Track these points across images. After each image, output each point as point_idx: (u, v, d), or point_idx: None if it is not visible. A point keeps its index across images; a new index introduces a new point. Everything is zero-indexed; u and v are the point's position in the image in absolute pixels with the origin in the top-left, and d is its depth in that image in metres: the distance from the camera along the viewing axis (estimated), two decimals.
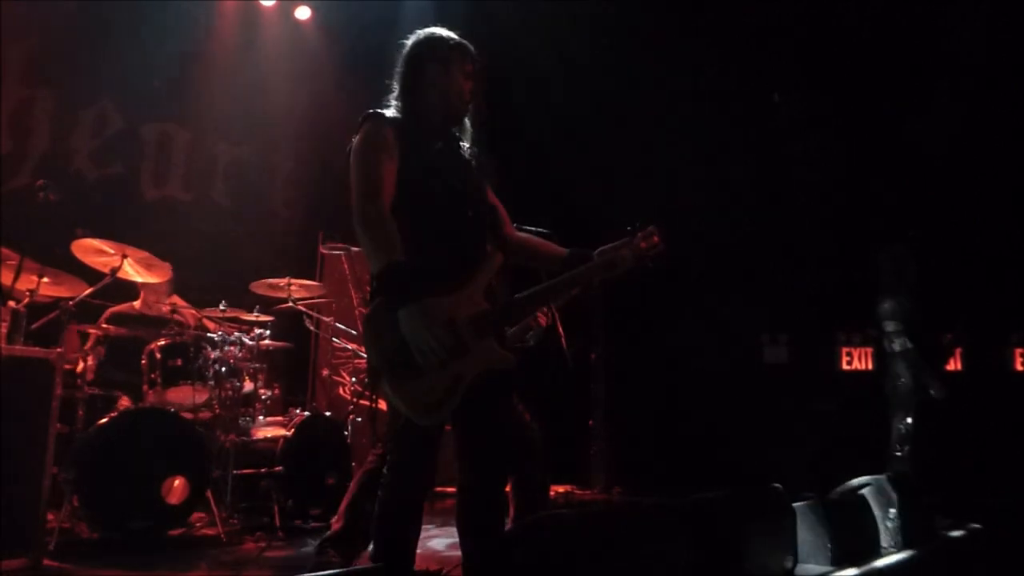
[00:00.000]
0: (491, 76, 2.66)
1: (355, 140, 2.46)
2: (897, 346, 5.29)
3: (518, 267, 2.79)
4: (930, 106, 6.51)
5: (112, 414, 4.19)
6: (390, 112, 2.54)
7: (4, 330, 3.82)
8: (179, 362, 4.55)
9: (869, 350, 7.07)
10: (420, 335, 2.22)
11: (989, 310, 6.69)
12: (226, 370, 4.74)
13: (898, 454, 5.22)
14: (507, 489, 3.34)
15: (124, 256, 4.41)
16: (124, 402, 4.52)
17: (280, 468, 4.68)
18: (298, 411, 5.12)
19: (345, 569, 3.35)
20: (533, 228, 2.97)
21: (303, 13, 7.28)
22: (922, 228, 6.10)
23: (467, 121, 2.63)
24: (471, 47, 2.59)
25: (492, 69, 2.68)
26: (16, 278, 3.90)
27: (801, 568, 2.86)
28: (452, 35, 2.61)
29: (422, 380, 2.26)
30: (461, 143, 2.62)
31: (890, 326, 5.34)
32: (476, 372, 2.36)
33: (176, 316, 5.07)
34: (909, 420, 5.23)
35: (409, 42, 2.61)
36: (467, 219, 2.51)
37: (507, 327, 2.74)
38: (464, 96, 2.57)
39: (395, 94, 2.58)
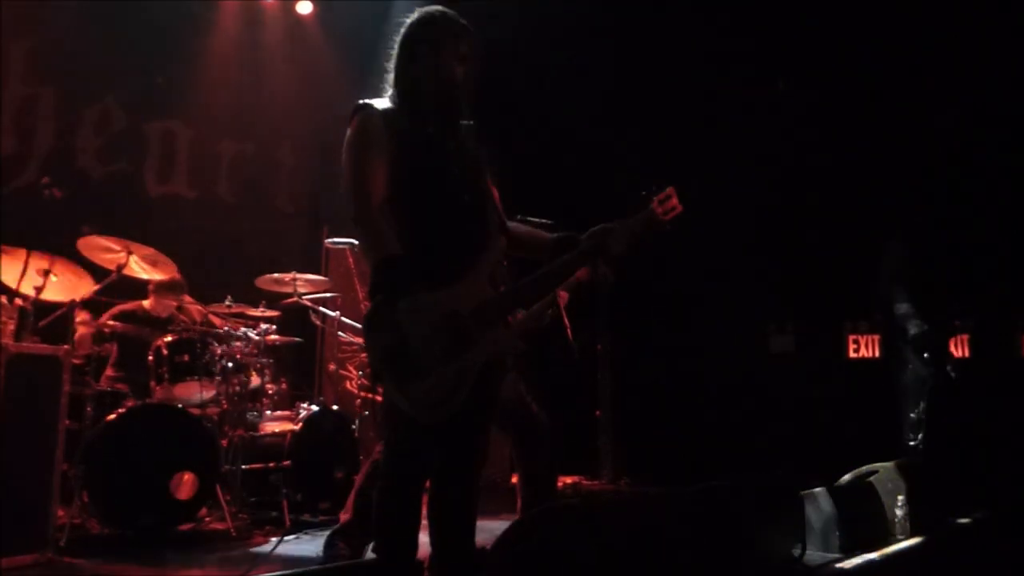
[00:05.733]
0: (493, 72, 2.59)
1: (347, 134, 2.39)
2: (914, 329, 5.22)
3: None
4: (938, 94, 6.47)
5: (120, 410, 4.20)
6: (382, 100, 2.46)
7: (12, 327, 3.84)
8: (186, 358, 4.56)
9: (876, 338, 7.04)
10: (418, 330, 2.18)
11: (997, 296, 6.65)
12: (233, 365, 4.75)
13: (912, 443, 5.20)
14: (515, 480, 3.34)
15: (130, 253, 4.42)
16: (132, 399, 4.54)
17: (288, 462, 4.69)
18: (305, 405, 5.13)
19: (351, 561, 3.38)
20: (536, 219, 2.93)
21: (304, 8, 7.28)
22: (924, 214, 6.06)
23: (462, 107, 2.47)
24: (466, 26, 2.46)
25: (493, 62, 2.62)
26: (23, 276, 3.92)
27: (810, 556, 2.86)
28: (447, 13, 2.47)
29: (426, 377, 2.20)
30: (458, 125, 2.48)
31: (903, 309, 5.29)
32: (483, 362, 2.30)
33: (182, 315, 5.09)
34: (922, 407, 5.20)
35: (405, 22, 2.50)
36: (464, 205, 2.41)
37: (516, 311, 2.68)
38: (454, 80, 2.42)
39: (390, 79, 2.50)
